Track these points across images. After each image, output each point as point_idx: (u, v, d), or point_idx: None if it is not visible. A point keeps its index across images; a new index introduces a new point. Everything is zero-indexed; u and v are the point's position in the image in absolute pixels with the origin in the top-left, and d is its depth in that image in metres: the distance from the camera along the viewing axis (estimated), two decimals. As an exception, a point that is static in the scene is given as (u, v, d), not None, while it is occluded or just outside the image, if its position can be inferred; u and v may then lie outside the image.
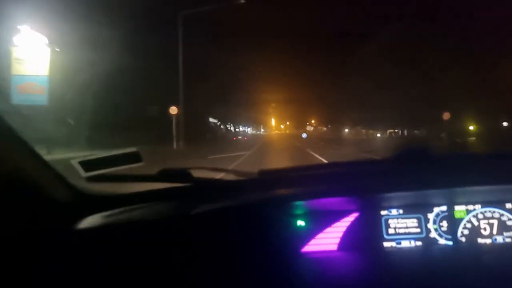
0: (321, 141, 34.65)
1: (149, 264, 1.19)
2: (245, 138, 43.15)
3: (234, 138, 41.12)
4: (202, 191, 1.54)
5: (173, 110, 21.90)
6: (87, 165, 1.49)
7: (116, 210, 1.44)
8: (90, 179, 1.49)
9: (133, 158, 1.55)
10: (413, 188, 1.36)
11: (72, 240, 1.26)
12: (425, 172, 1.43)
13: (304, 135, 40.36)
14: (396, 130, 42.25)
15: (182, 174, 1.54)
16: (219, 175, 1.73)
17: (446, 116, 23.12)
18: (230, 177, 1.69)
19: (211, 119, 41.82)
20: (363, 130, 52.06)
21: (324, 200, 1.37)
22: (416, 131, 35.33)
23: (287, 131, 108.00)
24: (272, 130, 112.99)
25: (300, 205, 1.39)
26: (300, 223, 1.39)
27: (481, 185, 1.36)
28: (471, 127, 26.44)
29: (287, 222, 1.38)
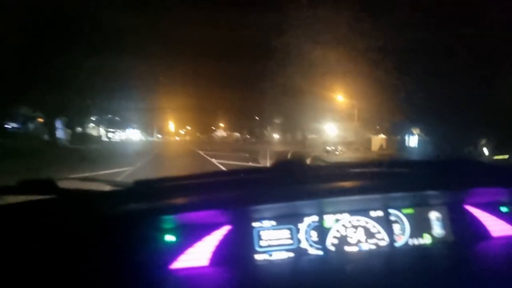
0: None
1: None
2: None
3: None
4: (67, 204, 1.40)
5: None
6: None
7: None
8: None
9: None
10: (284, 200, 1.37)
11: None
12: (296, 183, 1.45)
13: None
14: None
15: (46, 185, 1.38)
16: (90, 186, 1.59)
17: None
18: (102, 187, 1.56)
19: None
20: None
21: (194, 213, 1.32)
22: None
23: (187, 138, 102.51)
24: (170, 135, 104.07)
25: (169, 219, 1.32)
26: (169, 238, 1.32)
27: (348, 195, 1.41)
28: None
29: (154, 237, 1.31)
